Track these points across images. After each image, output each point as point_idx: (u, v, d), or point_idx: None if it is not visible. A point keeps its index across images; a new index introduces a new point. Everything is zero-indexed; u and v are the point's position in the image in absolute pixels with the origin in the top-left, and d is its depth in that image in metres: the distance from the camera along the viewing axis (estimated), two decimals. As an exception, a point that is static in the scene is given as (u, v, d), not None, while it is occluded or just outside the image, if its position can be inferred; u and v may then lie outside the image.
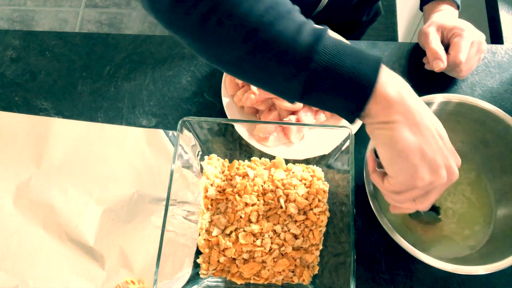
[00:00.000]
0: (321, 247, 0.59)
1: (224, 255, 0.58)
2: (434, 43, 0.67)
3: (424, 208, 0.45)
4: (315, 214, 0.59)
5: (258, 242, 0.57)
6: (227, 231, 0.59)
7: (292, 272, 0.59)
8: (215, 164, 0.64)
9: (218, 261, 0.58)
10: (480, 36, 0.67)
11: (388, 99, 0.40)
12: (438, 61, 0.66)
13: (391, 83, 0.41)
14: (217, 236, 0.59)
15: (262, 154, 0.65)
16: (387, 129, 0.41)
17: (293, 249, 0.58)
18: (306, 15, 0.93)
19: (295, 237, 0.59)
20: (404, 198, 0.44)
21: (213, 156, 0.64)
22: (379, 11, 1.00)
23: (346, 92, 0.40)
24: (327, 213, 0.60)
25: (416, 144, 0.40)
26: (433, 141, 0.41)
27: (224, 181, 0.63)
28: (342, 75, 0.40)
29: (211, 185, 0.62)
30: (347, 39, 0.73)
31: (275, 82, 0.44)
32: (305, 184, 0.61)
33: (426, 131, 0.41)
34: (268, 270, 0.58)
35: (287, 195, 0.59)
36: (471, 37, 0.66)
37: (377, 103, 0.41)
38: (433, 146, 0.41)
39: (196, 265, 0.60)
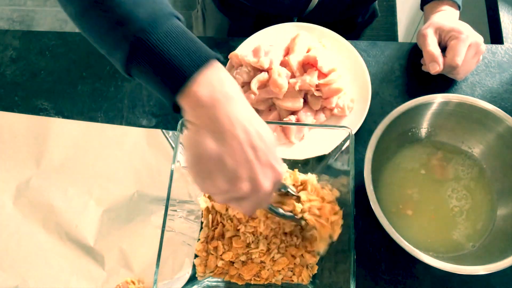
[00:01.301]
0: (321, 247, 0.59)
1: (222, 259, 0.58)
2: (431, 46, 0.67)
3: (245, 212, 0.47)
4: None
5: (252, 245, 0.57)
6: (227, 235, 0.59)
7: (291, 271, 0.59)
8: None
9: (217, 265, 0.58)
10: (478, 38, 0.67)
11: (198, 99, 0.39)
12: (434, 64, 0.66)
13: (210, 85, 0.40)
14: (215, 240, 0.59)
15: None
16: (192, 131, 0.41)
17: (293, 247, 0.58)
18: (298, 13, 0.92)
19: (295, 236, 0.59)
20: (217, 198, 0.44)
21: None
22: (376, 13, 0.99)
23: (163, 77, 0.41)
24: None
25: (216, 152, 0.39)
26: (239, 152, 0.39)
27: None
28: (163, 59, 0.40)
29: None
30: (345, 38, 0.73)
31: (106, 45, 0.44)
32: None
33: (233, 141, 0.39)
34: (268, 270, 0.58)
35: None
36: (468, 39, 0.65)
37: (187, 100, 0.40)
38: (237, 157, 0.39)
39: (196, 265, 0.59)
